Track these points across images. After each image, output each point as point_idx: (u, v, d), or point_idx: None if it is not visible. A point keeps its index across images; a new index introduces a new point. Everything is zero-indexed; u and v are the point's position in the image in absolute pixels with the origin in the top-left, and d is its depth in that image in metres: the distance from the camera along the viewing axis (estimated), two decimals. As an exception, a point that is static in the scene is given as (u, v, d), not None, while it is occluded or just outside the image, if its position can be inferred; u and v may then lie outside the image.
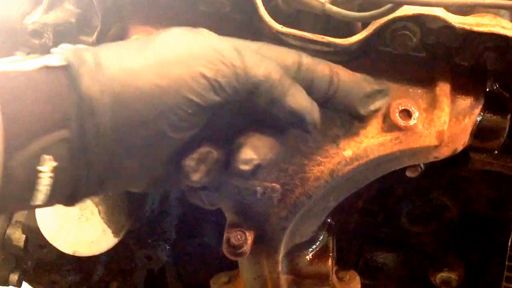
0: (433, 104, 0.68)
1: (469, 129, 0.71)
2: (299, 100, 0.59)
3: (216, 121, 0.59)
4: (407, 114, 0.67)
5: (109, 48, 0.57)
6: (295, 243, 0.77)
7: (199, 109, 0.56)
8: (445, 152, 0.70)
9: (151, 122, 0.55)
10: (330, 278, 0.81)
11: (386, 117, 0.67)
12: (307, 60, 0.61)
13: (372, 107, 0.64)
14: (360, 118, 0.66)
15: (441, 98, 0.68)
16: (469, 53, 0.69)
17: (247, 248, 0.68)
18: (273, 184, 0.68)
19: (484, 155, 0.76)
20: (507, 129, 0.72)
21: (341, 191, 0.72)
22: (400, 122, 0.67)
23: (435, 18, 0.66)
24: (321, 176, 0.67)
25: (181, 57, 0.56)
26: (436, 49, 0.70)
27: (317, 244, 0.81)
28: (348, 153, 0.67)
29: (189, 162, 0.59)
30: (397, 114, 0.67)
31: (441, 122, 0.68)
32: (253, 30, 0.71)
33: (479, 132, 0.72)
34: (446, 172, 0.88)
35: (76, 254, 0.95)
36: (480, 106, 0.71)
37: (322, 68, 0.62)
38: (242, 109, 0.60)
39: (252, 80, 0.57)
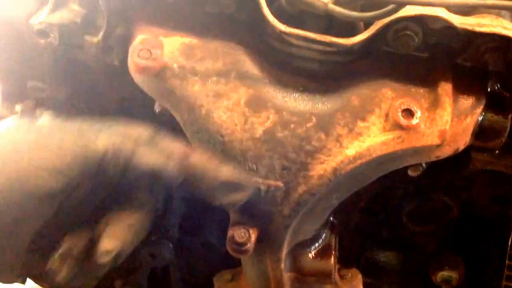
0: (435, 103, 0.69)
1: (470, 129, 0.72)
2: (149, 157, 0.58)
3: (75, 207, 0.59)
4: (409, 113, 0.68)
5: None
6: (298, 241, 0.77)
7: (46, 199, 0.55)
8: (447, 151, 0.71)
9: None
10: (333, 276, 0.81)
11: (389, 116, 0.68)
12: (159, 136, 0.60)
13: (228, 198, 0.63)
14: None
15: (443, 98, 0.69)
16: (471, 53, 0.69)
17: (250, 245, 0.69)
18: (277, 182, 0.68)
19: (486, 154, 0.77)
20: (508, 129, 0.73)
21: (343, 189, 0.73)
22: (403, 121, 0.67)
23: (437, 19, 0.66)
24: (324, 174, 0.67)
25: (14, 152, 0.56)
26: (438, 49, 0.70)
27: (319, 242, 0.81)
28: (351, 151, 0.67)
29: (52, 264, 0.59)
30: (400, 114, 0.67)
31: (443, 121, 0.68)
32: (257, 31, 0.72)
33: (481, 132, 0.72)
34: (447, 171, 0.88)
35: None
36: (482, 106, 0.71)
37: (174, 147, 0.60)
38: (98, 190, 0.60)
39: (95, 154, 0.56)
